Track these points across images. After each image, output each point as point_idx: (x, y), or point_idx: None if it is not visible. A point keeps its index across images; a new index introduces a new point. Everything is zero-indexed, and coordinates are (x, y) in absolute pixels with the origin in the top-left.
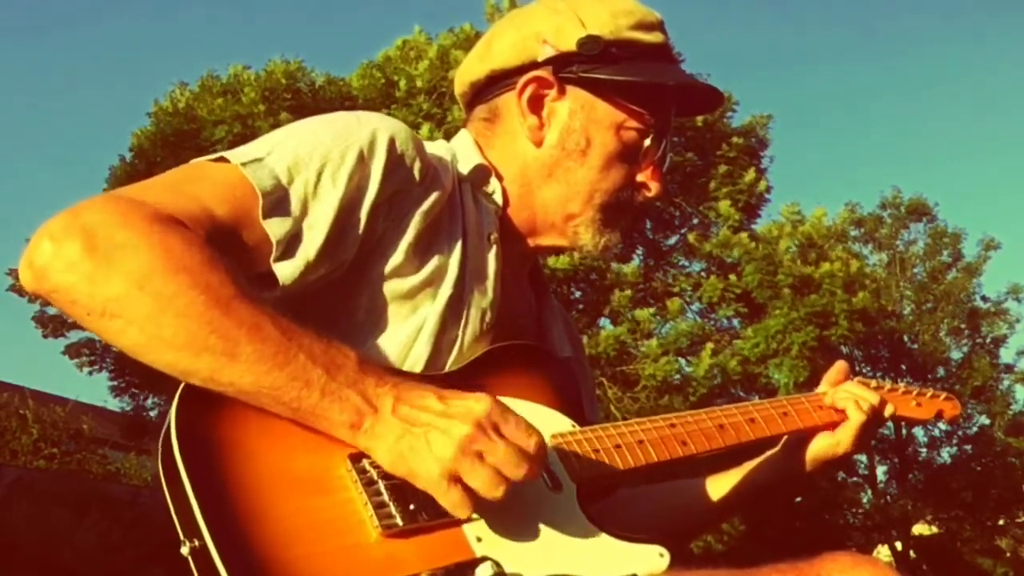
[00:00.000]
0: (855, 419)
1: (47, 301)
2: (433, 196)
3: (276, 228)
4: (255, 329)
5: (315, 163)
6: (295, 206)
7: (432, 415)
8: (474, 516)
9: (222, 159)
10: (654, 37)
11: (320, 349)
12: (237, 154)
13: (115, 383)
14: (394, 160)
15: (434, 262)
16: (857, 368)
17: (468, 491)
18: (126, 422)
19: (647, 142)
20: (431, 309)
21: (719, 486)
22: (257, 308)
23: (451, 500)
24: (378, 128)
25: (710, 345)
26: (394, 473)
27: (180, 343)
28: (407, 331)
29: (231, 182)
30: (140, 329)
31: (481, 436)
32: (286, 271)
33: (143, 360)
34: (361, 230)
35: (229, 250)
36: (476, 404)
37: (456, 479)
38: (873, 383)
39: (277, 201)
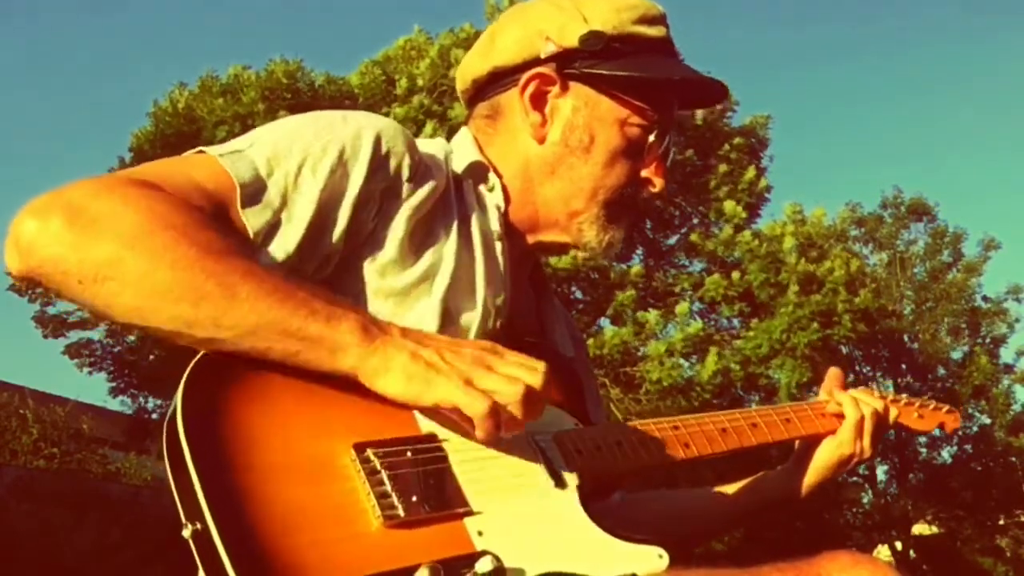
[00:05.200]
0: (854, 417)
1: (34, 281)
2: (423, 193)
3: (254, 219)
4: (250, 274)
5: (296, 156)
6: (274, 197)
7: (440, 342)
8: (475, 510)
9: (202, 153)
10: (657, 31)
11: (319, 289)
12: (217, 148)
13: (115, 384)
14: (380, 157)
15: (428, 259)
16: (857, 368)
17: (487, 395)
18: (126, 422)
19: (651, 137)
20: (427, 304)
21: (726, 496)
22: (249, 260)
23: (470, 399)
24: (363, 126)
25: (715, 349)
26: (407, 393)
27: (178, 294)
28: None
29: (213, 169)
30: (136, 288)
31: (490, 355)
32: (265, 262)
33: (144, 324)
34: (344, 225)
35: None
36: (476, 341)
37: (472, 384)
38: (876, 392)
39: (255, 192)
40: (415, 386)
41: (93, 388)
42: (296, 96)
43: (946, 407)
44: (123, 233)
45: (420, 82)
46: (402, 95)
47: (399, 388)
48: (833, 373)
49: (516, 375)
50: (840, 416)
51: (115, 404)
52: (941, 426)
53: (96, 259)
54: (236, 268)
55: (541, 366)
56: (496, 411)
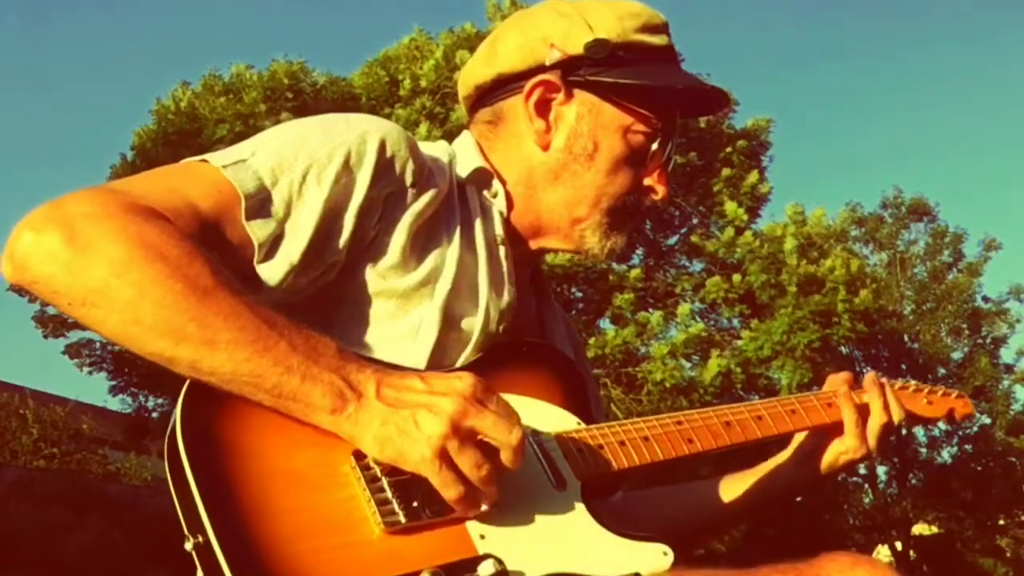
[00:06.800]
0: (873, 421)
1: (28, 292)
2: (426, 198)
3: (259, 231)
4: (233, 317)
5: (301, 164)
6: (278, 208)
7: (417, 395)
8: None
9: (206, 162)
10: (660, 39)
11: (300, 339)
12: (220, 156)
13: (114, 382)
14: (384, 162)
15: (430, 262)
16: (857, 368)
17: (460, 472)
18: (126, 422)
19: (654, 146)
20: (429, 307)
21: (731, 489)
22: (236, 298)
23: (443, 479)
24: (368, 130)
25: (716, 352)
26: (382, 459)
27: (159, 332)
28: (405, 330)
29: (216, 180)
30: (120, 318)
31: (470, 409)
32: (269, 273)
33: (129, 349)
34: (349, 233)
35: (212, 247)
36: (459, 381)
37: (446, 458)
38: (884, 380)
39: (260, 203)
40: (388, 452)
41: (93, 388)
42: (298, 97)
43: (955, 392)
44: (113, 261)
45: (423, 83)
46: (406, 96)
47: (373, 454)
48: (844, 377)
49: (496, 436)
50: (862, 407)
51: (115, 404)
52: (951, 412)
53: (85, 285)
54: (221, 309)
55: (518, 424)
56: (467, 497)
